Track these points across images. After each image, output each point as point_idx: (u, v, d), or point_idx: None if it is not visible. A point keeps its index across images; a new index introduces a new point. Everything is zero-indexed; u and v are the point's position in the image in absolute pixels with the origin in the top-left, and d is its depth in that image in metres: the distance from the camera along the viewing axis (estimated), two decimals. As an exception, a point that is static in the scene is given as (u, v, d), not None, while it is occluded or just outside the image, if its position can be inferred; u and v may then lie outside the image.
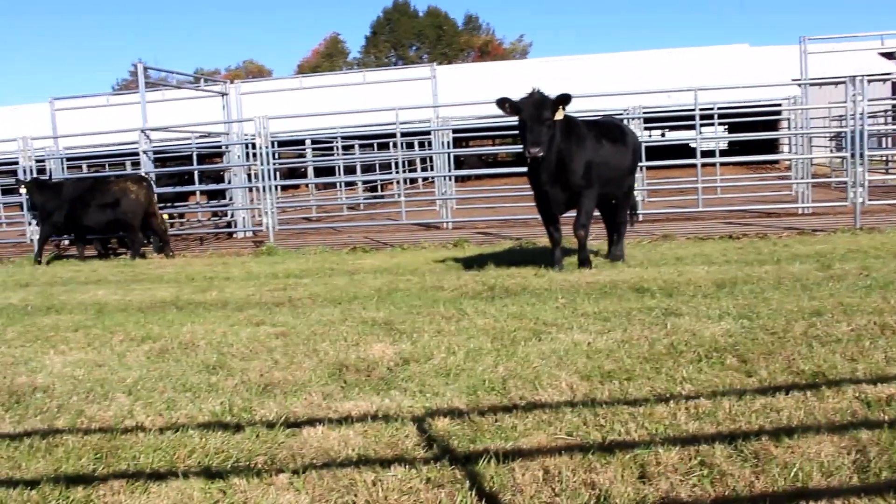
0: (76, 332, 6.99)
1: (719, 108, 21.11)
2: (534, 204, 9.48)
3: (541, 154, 8.43)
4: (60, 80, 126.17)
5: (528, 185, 9.61)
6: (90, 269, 12.60)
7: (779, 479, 3.20)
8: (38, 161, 18.12)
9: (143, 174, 15.38)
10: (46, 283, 10.90)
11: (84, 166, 25.39)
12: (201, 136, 20.46)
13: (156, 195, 14.55)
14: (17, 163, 17.72)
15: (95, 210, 13.76)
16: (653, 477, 3.29)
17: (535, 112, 8.45)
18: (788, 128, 20.17)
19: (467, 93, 30.30)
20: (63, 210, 13.95)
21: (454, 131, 20.76)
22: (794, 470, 3.25)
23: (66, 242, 16.53)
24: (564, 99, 8.56)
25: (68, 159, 20.99)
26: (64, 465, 3.75)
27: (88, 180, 15.58)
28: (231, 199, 18.54)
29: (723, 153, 24.39)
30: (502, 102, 8.75)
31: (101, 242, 15.68)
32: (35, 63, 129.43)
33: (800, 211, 15.00)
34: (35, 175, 16.26)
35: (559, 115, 8.58)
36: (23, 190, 15.05)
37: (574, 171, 8.84)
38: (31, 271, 12.72)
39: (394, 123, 16.23)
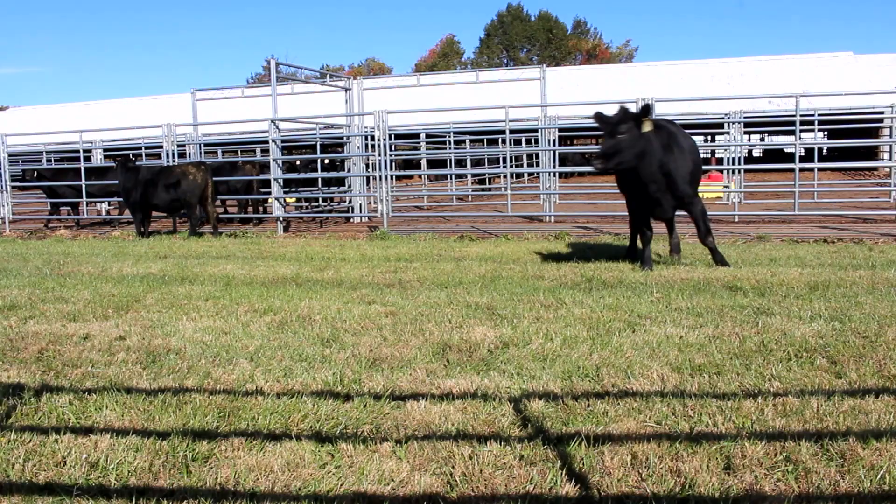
0: (206, 301, 7.24)
1: (820, 115, 20.32)
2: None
3: (600, 166, 8.00)
4: (201, 73, 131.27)
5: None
6: (221, 245, 13.02)
7: (864, 481, 3.07)
8: (179, 145, 18.83)
9: (201, 160, 16.55)
10: (182, 256, 11.31)
11: (219, 151, 26.23)
12: (325, 128, 20.86)
13: (212, 180, 15.06)
14: (161, 146, 18.46)
15: (161, 190, 14.70)
16: (738, 469, 3.21)
17: (610, 127, 7.96)
18: (890, 135, 19.25)
19: (574, 94, 30.06)
20: (139, 190, 14.85)
21: (560, 130, 20.56)
22: (881, 472, 3.11)
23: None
24: (646, 109, 8.06)
25: (205, 145, 21.74)
26: (191, 421, 3.89)
27: (158, 166, 16.36)
28: (349, 186, 18.88)
29: (821, 159, 23.43)
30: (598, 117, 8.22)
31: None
32: (179, 57, 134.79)
33: (897, 218, 14.27)
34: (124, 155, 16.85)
35: (647, 128, 8.03)
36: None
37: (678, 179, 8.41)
38: (169, 244, 13.21)
39: (503, 121, 16.15)
